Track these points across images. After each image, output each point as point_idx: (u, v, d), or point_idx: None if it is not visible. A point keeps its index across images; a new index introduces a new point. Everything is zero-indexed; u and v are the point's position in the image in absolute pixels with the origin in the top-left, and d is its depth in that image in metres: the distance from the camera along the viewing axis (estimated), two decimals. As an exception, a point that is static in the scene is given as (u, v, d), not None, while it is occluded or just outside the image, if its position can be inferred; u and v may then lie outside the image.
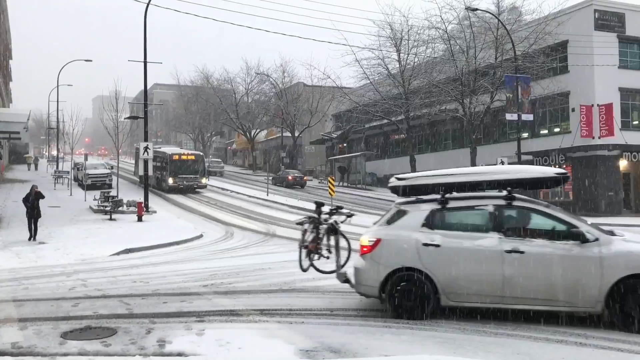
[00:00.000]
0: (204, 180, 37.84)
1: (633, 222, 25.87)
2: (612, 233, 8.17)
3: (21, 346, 7.00)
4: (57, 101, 50.07)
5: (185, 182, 36.53)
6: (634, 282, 7.48)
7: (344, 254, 9.73)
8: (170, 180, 36.39)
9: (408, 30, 37.80)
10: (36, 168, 54.77)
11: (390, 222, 8.74)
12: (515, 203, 8.25)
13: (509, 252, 7.86)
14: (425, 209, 8.49)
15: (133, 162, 53.65)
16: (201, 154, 41.40)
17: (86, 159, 37.99)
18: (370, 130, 50.12)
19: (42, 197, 19.49)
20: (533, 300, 7.86)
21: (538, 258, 7.79)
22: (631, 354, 6.85)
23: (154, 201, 30.63)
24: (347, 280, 8.97)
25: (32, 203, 18.79)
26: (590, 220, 29.29)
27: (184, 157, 37.71)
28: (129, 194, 31.78)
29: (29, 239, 18.25)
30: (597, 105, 29.86)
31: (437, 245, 8.15)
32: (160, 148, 43.56)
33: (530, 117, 30.89)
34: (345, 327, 7.95)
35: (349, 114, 51.00)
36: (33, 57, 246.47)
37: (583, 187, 30.40)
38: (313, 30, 28.08)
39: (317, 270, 10.04)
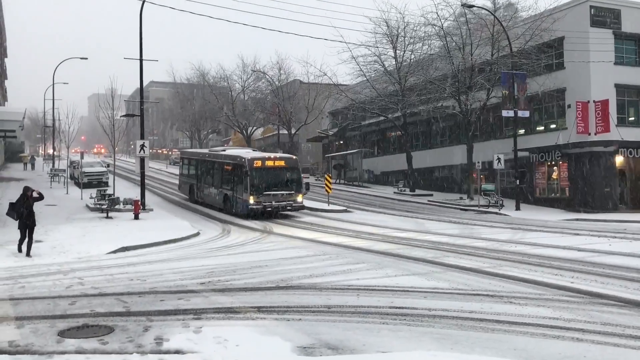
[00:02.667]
0: (300, 198, 25.45)
1: (629, 217, 25.98)
2: None
3: (18, 345, 6.99)
4: (53, 99, 49.94)
5: (274, 202, 24.52)
6: None
7: None
8: (251, 200, 24.17)
9: (404, 27, 37.87)
10: (32, 167, 54.54)
11: None
12: None
13: None
14: None
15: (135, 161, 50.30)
16: (295, 157, 27.45)
17: (82, 157, 37.92)
18: (366, 128, 50.16)
19: (41, 198, 15.58)
20: None
21: None
22: (627, 349, 6.88)
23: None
24: None
25: (23, 209, 14.86)
26: (586, 216, 28.78)
27: (269, 164, 25.24)
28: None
29: (19, 251, 15.08)
30: (593, 101, 29.90)
31: None
32: (224, 151, 30.39)
33: (526, 113, 31.03)
34: (342, 323, 7.96)
35: (346, 111, 50.96)
36: (28, 55, 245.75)
37: (579, 183, 30.47)
38: (309, 28, 27.89)
39: None
